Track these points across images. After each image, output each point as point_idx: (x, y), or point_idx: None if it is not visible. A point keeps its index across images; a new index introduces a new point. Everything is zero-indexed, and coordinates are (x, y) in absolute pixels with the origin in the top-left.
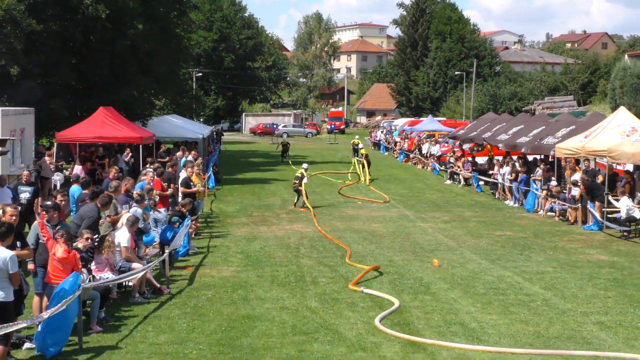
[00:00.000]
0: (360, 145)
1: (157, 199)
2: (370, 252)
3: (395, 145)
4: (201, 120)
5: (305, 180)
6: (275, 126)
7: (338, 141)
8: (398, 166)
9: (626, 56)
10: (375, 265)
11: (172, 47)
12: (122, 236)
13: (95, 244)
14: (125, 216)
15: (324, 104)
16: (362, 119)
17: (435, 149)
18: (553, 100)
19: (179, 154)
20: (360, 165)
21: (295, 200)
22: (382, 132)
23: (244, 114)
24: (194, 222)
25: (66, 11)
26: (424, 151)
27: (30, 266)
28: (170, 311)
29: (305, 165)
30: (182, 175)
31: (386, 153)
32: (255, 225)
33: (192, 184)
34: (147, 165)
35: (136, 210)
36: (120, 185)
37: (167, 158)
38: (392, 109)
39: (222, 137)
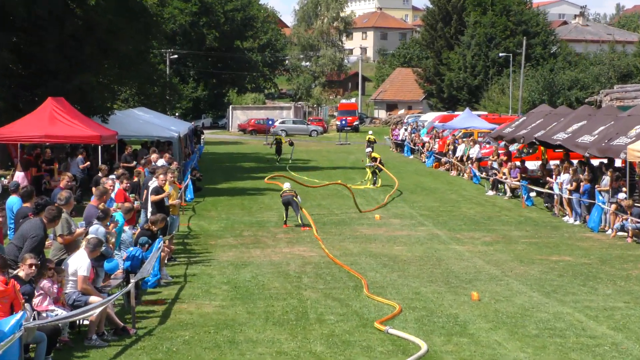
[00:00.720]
0: (369, 149)
1: (122, 214)
2: (392, 283)
3: (423, 146)
4: (177, 114)
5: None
6: (270, 122)
7: (350, 141)
8: (426, 173)
9: None
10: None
11: (139, 23)
12: (80, 262)
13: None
14: (90, 235)
15: (333, 95)
16: (381, 113)
17: (474, 151)
18: (625, 89)
19: (153, 156)
20: (372, 172)
21: (285, 218)
22: (406, 129)
23: (230, 106)
24: (167, 243)
25: None
26: (460, 154)
27: None
28: (137, 357)
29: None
30: (153, 184)
31: (411, 156)
32: (245, 248)
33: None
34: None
35: (98, 229)
36: (71, 198)
37: (136, 163)
38: (419, 100)
39: (202, 135)
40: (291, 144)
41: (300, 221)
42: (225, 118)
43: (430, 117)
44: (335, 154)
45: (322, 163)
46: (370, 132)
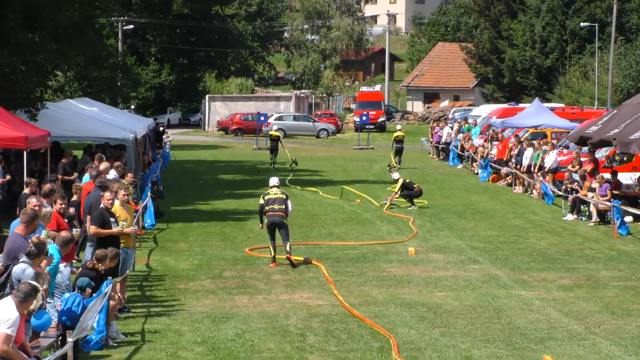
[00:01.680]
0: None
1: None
2: (432, 343)
3: (476, 152)
4: (132, 107)
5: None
6: (262, 118)
7: (374, 144)
8: (480, 189)
9: None
10: None
11: None
12: (3, 315)
13: None
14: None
15: (349, 80)
16: (417, 106)
17: (550, 159)
18: None
19: (102, 166)
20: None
21: (273, 252)
22: (451, 128)
23: (207, 97)
24: (118, 288)
25: None
26: (527, 163)
27: None
28: None
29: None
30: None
31: (459, 166)
32: (227, 295)
33: (112, 220)
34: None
35: (25, 269)
36: None
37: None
38: (470, 87)
39: (168, 138)
40: (295, 163)
41: (288, 251)
42: (200, 113)
43: (485, 112)
44: (353, 163)
45: (333, 175)
46: (398, 126)
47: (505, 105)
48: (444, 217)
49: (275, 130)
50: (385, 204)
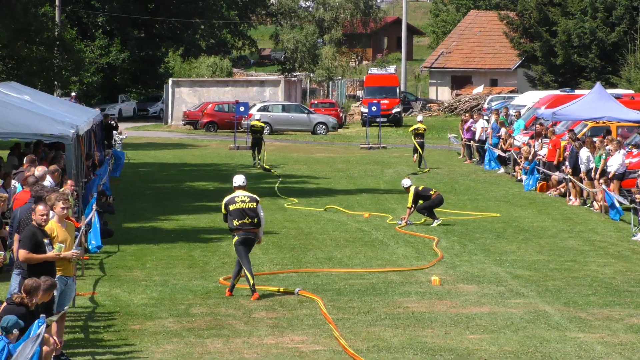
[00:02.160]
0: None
1: None
2: None
3: (519, 152)
4: (73, 95)
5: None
6: (242, 109)
7: (387, 143)
8: (524, 200)
9: None
10: None
11: None
12: None
13: None
14: None
15: (355, 60)
16: (442, 93)
17: (615, 162)
18: None
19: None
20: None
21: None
22: (487, 121)
23: (171, 81)
24: (54, 329)
25: None
26: (586, 167)
27: None
28: None
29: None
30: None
31: (499, 170)
32: (195, 337)
33: (47, 241)
34: None
35: None
36: None
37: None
38: (511, 69)
39: (121, 136)
40: (268, 169)
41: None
42: (162, 102)
43: (530, 100)
44: (359, 167)
45: (334, 182)
46: (419, 117)
47: (557, 92)
48: (478, 236)
49: (259, 120)
50: (400, 224)
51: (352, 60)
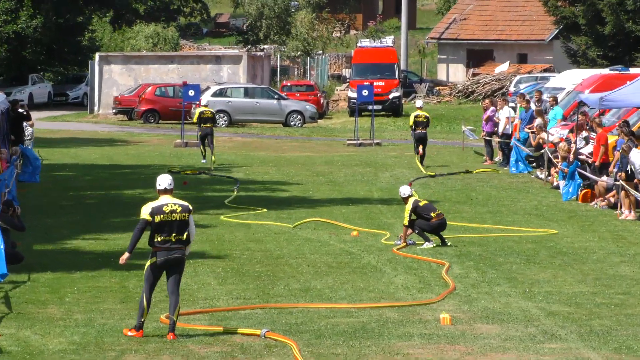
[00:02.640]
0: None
1: None
2: None
3: (555, 150)
4: None
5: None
6: (191, 93)
7: (381, 138)
8: (562, 213)
9: None
10: None
11: None
12: None
13: None
14: None
15: (339, 28)
16: (455, 72)
17: None
18: None
19: None
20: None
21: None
22: (514, 109)
23: (97, 56)
24: None
25: None
26: None
27: None
28: None
29: None
30: None
31: (530, 174)
32: None
33: None
34: None
35: None
36: None
37: None
38: (545, 41)
39: (29, 123)
40: (207, 171)
41: (173, 315)
42: (86, 84)
43: (570, 81)
44: (346, 170)
45: (314, 191)
46: (419, 102)
47: (605, 71)
48: (501, 260)
49: (206, 105)
50: (398, 244)
51: (336, 29)
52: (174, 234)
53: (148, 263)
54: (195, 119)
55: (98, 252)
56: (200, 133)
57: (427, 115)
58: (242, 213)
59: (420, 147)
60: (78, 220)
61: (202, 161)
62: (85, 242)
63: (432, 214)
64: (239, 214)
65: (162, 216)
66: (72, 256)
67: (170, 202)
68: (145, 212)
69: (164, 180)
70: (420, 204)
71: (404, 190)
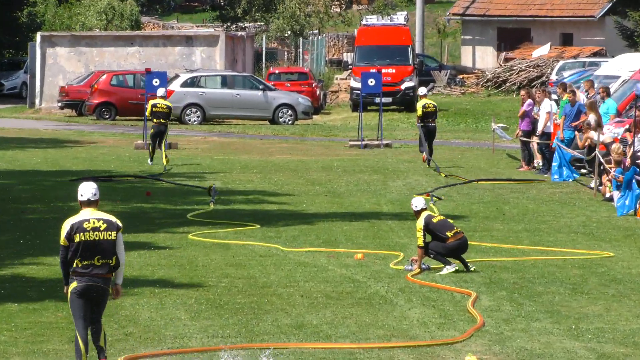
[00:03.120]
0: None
1: None
2: None
3: (607, 153)
4: None
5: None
6: (155, 82)
7: (391, 139)
8: (616, 232)
9: None
10: None
11: None
12: None
13: None
14: None
15: (338, 3)
16: (483, 57)
17: None
18: None
19: None
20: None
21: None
22: (556, 102)
23: (39, 35)
24: None
25: None
26: None
27: None
28: None
29: None
30: None
31: (577, 182)
32: None
33: None
34: None
35: None
36: None
37: None
38: (594, 17)
39: None
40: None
41: (102, 349)
42: (24, 71)
43: (626, 68)
44: (348, 177)
45: (308, 203)
46: (422, 90)
47: None
48: (541, 290)
49: (163, 97)
50: (411, 269)
51: (336, 3)
52: (97, 257)
53: (69, 289)
54: (148, 113)
55: (41, 280)
56: (152, 130)
57: (435, 103)
58: (220, 230)
59: (427, 144)
60: (16, 240)
61: (149, 163)
62: (25, 267)
63: (449, 233)
64: (213, 231)
65: (81, 235)
66: (8, 284)
67: (92, 218)
68: (63, 233)
69: (85, 190)
70: (434, 219)
71: (417, 202)
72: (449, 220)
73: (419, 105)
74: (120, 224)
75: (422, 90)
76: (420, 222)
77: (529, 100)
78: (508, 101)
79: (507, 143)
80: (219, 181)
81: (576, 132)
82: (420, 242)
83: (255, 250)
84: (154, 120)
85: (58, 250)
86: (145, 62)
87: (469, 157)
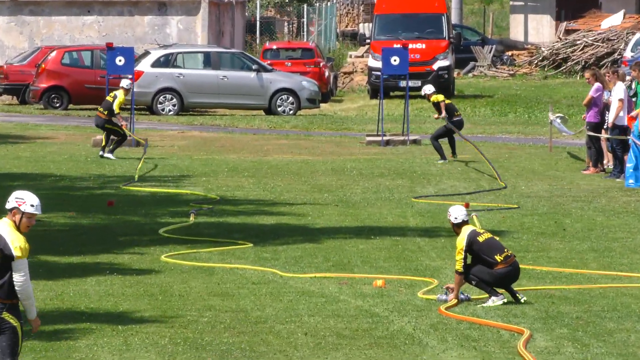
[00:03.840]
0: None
1: None
2: None
3: None
4: None
5: None
6: (119, 60)
7: (420, 134)
8: None
9: None
10: None
11: None
12: None
13: None
14: None
15: None
16: (539, 29)
17: None
18: None
19: None
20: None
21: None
22: (630, 87)
23: None
24: None
25: None
26: None
27: None
28: None
29: None
30: None
31: None
32: None
33: None
34: None
35: None
36: None
37: None
38: None
39: None
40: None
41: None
42: None
43: None
44: (365, 182)
45: (315, 216)
46: (429, 89)
47: None
48: (612, 327)
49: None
50: (445, 299)
51: None
52: None
53: None
54: (117, 107)
55: None
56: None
57: (445, 100)
58: (201, 250)
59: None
60: None
61: (103, 154)
62: None
63: (498, 257)
64: (193, 251)
65: None
66: None
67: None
68: None
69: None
70: (481, 238)
71: (456, 212)
72: (495, 238)
73: (440, 99)
74: (13, 244)
75: (428, 89)
76: (462, 240)
77: (597, 85)
78: (570, 85)
79: (568, 138)
80: (200, 187)
81: None
82: (459, 267)
83: (247, 275)
84: (102, 115)
85: None
86: (107, 36)
87: (520, 156)
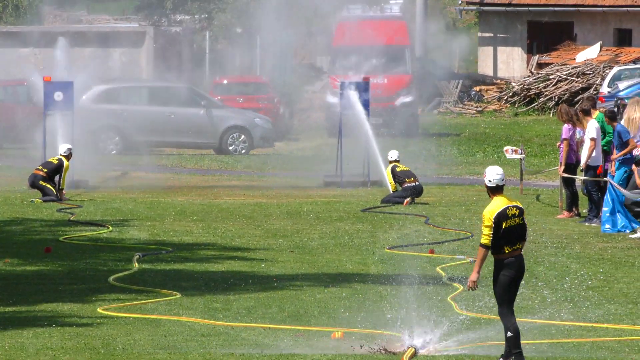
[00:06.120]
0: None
1: None
2: None
3: None
4: None
5: None
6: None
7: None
8: None
9: None
10: None
11: None
12: None
13: None
14: None
15: None
16: (509, 63)
17: None
18: None
19: None
20: None
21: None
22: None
23: None
24: None
25: None
26: None
27: None
28: None
29: None
30: None
31: (634, 233)
32: None
33: None
34: None
35: None
36: None
37: None
38: None
39: None
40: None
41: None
42: None
43: None
44: (323, 226)
45: (271, 262)
46: (394, 155)
47: None
48: None
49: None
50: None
51: None
52: None
53: None
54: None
55: None
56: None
57: (396, 160)
58: (147, 301)
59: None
60: None
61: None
62: None
63: (507, 248)
64: (137, 302)
65: None
66: None
67: None
68: None
69: None
70: (505, 224)
71: (491, 174)
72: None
73: (388, 169)
74: None
75: (393, 155)
76: (489, 217)
77: (566, 125)
78: (542, 122)
79: (539, 180)
80: (144, 232)
81: (634, 166)
82: (487, 241)
83: (195, 327)
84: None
85: None
86: (43, 69)
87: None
